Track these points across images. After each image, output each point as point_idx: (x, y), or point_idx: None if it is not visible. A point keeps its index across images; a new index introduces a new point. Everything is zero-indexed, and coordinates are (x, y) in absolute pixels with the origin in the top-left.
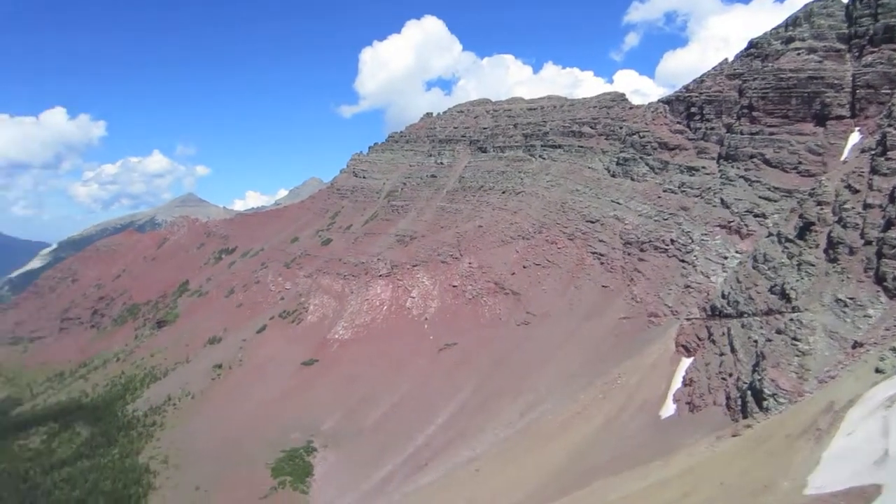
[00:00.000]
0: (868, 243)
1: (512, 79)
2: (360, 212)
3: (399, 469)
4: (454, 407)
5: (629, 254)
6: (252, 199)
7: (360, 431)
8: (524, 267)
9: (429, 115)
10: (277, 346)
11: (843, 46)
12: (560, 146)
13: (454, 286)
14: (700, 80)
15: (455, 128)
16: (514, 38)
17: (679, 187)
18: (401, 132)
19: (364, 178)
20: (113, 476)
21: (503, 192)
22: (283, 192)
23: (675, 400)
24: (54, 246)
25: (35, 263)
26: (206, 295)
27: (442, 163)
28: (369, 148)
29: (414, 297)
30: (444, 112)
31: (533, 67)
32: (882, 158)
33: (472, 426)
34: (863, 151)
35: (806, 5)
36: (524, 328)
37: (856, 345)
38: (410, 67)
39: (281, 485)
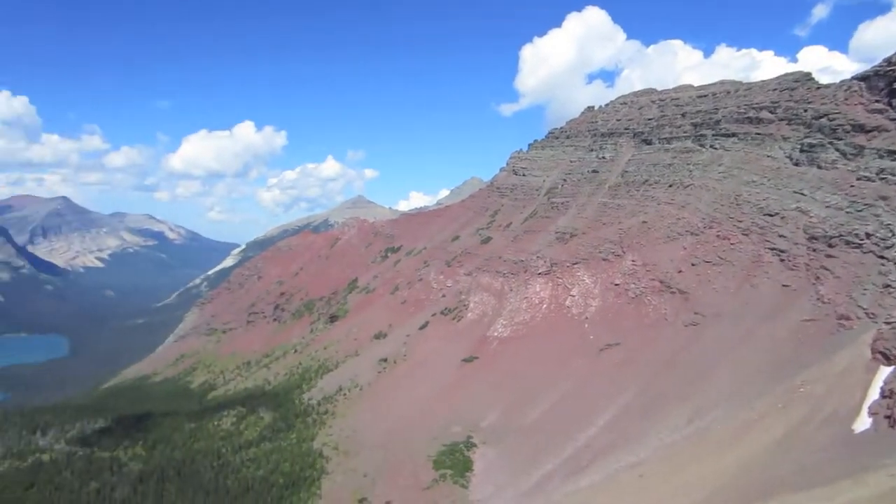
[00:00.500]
0: None
1: (680, 65)
2: (519, 210)
3: (559, 469)
4: (616, 409)
5: (815, 250)
6: (415, 200)
7: (519, 429)
8: (692, 264)
9: (590, 108)
10: (439, 343)
11: None
12: (734, 134)
13: (616, 284)
14: None
15: (618, 120)
16: (682, 22)
17: (877, 174)
18: (561, 128)
19: (524, 175)
20: (291, 459)
21: (669, 186)
22: (444, 192)
23: (872, 413)
24: (243, 246)
25: (228, 262)
26: (373, 292)
27: (604, 157)
28: (529, 145)
29: (574, 296)
30: (607, 105)
31: (703, 52)
32: None
33: (635, 430)
34: None
35: None
36: (692, 329)
37: None
38: (571, 61)
39: (442, 477)
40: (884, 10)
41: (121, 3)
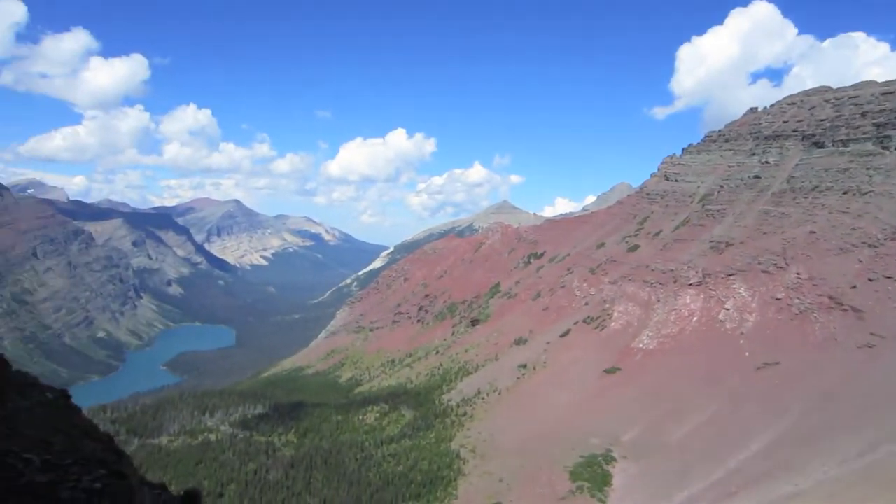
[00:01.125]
0: None
1: (861, 60)
2: (670, 217)
3: (705, 492)
4: (774, 433)
5: None
6: (561, 206)
7: (663, 446)
8: (869, 280)
9: (753, 110)
10: (580, 351)
11: None
12: None
13: (777, 299)
14: None
15: (784, 122)
16: (866, 10)
17: None
18: (719, 131)
19: (676, 181)
20: (429, 457)
21: (844, 193)
22: (590, 198)
23: None
24: (391, 248)
25: (377, 264)
26: (514, 297)
27: (767, 162)
28: (683, 150)
29: (728, 309)
30: (772, 105)
31: (890, 44)
32: None
33: (796, 458)
34: None
35: None
36: (867, 351)
37: None
38: (734, 60)
39: (579, 489)
40: None
41: (293, 26)
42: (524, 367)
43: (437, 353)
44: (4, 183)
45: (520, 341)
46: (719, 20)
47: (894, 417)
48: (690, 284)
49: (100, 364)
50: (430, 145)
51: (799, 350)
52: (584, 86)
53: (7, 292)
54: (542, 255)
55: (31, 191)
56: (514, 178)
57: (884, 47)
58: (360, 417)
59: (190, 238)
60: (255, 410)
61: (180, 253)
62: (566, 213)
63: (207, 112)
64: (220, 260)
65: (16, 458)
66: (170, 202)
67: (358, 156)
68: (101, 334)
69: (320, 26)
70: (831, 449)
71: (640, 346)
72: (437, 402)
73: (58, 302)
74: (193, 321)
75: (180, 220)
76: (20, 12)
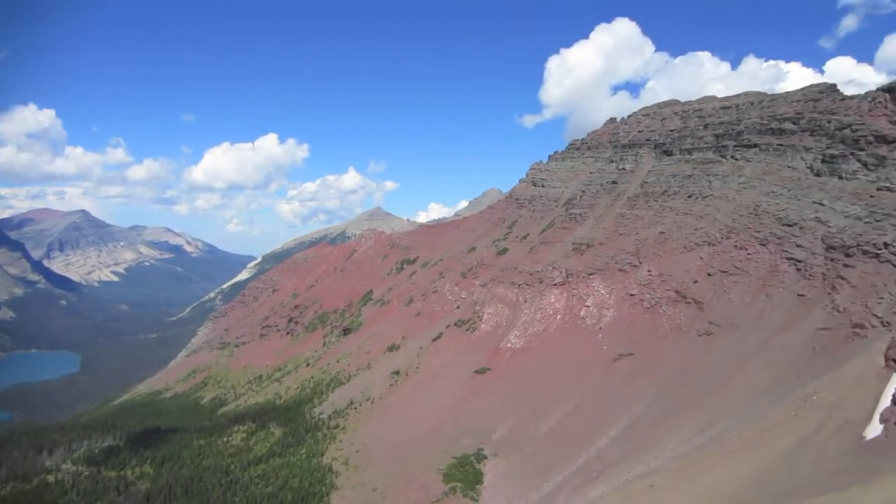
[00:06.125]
0: None
1: (706, 76)
2: (537, 221)
3: (569, 480)
4: (628, 419)
5: (832, 259)
6: (434, 211)
7: (530, 441)
8: (709, 275)
9: (612, 120)
10: (452, 355)
11: None
12: (756, 145)
13: (631, 295)
14: None
15: (640, 132)
16: (710, 33)
17: None
18: (582, 139)
19: (543, 186)
20: (300, 474)
21: (689, 197)
22: (463, 203)
23: (883, 420)
24: (259, 259)
25: (243, 275)
26: (387, 304)
27: (624, 168)
28: (549, 156)
29: (589, 306)
30: (629, 116)
31: (731, 63)
32: None
33: (647, 440)
34: None
35: None
36: (706, 339)
37: None
38: (597, 72)
39: (452, 490)
40: None
41: (148, 17)
42: (397, 373)
43: (308, 365)
44: None
45: (392, 348)
46: (585, 34)
47: (728, 395)
48: (555, 284)
49: None
50: (302, 151)
51: (650, 340)
52: (460, 93)
53: None
54: (415, 260)
55: None
56: (389, 185)
57: (725, 66)
58: (225, 439)
59: (25, 254)
60: (103, 443)
61: (12, 271)
62: (439, 219)
63: (51, 112)
64: (63, 277)
65: None
66: (1, 214)
67: (225, 161)
68: None
69: (186, 20)
70: (677, 428)
71: (509, 345)
72: (307, 416)
73: None
74: (29, 348)
75: (13, 234)
76: None
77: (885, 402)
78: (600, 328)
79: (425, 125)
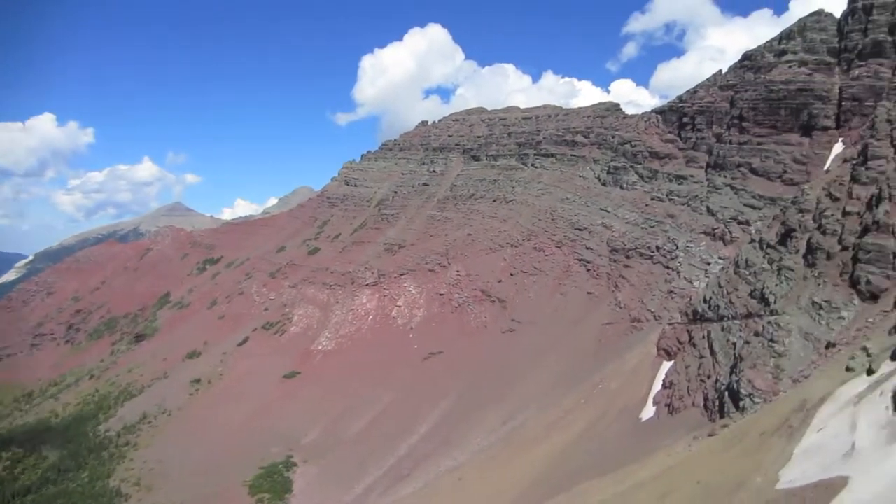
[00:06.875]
0: (845, 249)
1: (511, 87)
2: (349, 220)
3: (380, 480)
4: (437, 416)
5: (615, 261)
6: (241, 208)
7: (341, 443)
8: (511, 275)
9: (424, 123)
10: (259, 359)
11: (832, 60)
12: (553, 155)
13: (441, 294)
14: (693, 91)
15: (449, 136)
16: (516, 47)
17: (667, 195)
18: (395, 140)
19: (355, 186)
20: (81, 502)
21: (494, 201)
22: (272, 201)
23: (655, 403)
24: (31, 257)
25: (10, 276)
26: (187, 307)
27: (434, 171)
28: (362, 156)
29: (400, 306)
30: (440, 120)
31: (532, 77)
32: (862, 168)
33: (455, 435)
34: (845, 161)
35: (800, 19)
36: (509, 336)
37: (829, 345)
38: (411, 75)
39: (259, 502)
40: (679, 53)
41: None
42: (198, 381)
43: (93, 377)
44: None
45: (193, 354)
46: (399, 37)
47: (528, 388)
48: (367, 285)
49: None
50: (86, 135)
51: (458, 339)
52: (269, 87)
53: None
54: (219, 260)
55: None
56: (191, 178)
57: (527, 79)
58: None
59: None
60: None
61: None
62: (247, 216)
63: None
64: None
65: None
66: None
67: None
68: None
69: None
70: (482, 422)
71: (320, 347)
72: (91, 434)
73: None
74: None
75: None
76: None
77: (657, 386)
78: (411, 328)
79: (231, 115)
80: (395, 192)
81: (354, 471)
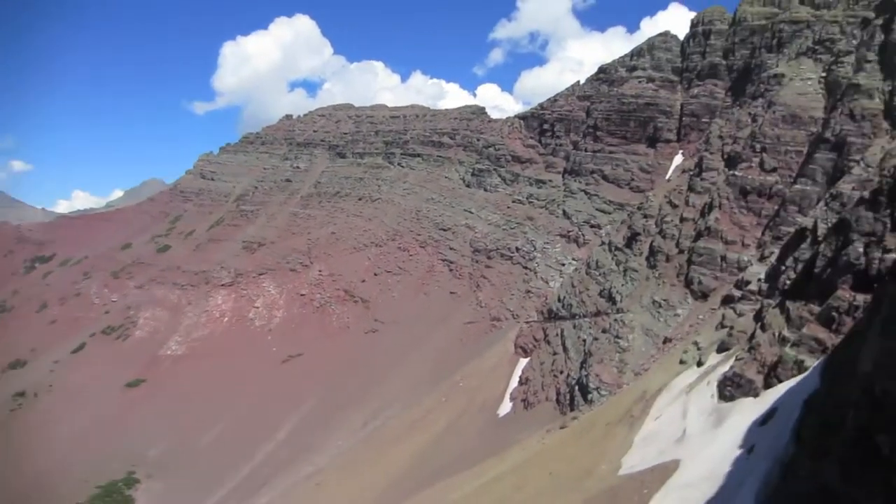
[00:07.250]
0: (681, 252)
1: (379, 85)
2: (205, 216)
3: (234, 492)
4: (297, 420)
5: (477, 261)
6: (80, 200)
7: (192, 455)
8: (375, 274)
9: (288, 117)
10: (98, 368)
11: (676, 78)
12: (419, 155)
13: (302, 295)
14: (553, 100)
15: (315, 132)
16: (386, 45)
17: (527, 198)
18: (257, 133)
19: (212, 180)
20: None
21: (359, 199)
22: (118, 193)
23: (512, 398)
24: None
25: None
26: (11, 311)
27: (298, 167)
28: (221, 149)
29: (258, 307)
30: (306, 115)
31: (401, 76)
32: (698, 178)
33: (314, 439)
34: (683, 172)
35: (649, 39)
36: (372, 336)
37: (666, 340)
38: (276, 66)
39: None
40: (542, 62)
41: None
42: (22, 395)
43: None
44: None
45: (17, 365)
46: (264, 25)
47: (389, 388)
48: (223, 285)
49: None
50: None
51: (319, 340)
52: (117, 67)
53: None
54: (51, 258)
55: None
56: (18, 165)
57: (396, 78)
58: None
59: None
60: None
61: None
62: (86, 210)
63: None
64: None
65: None
66: None
67: None
68: None
69: None
70: (343, 424)
71: (169, 352)
72: None
73: None
74: None
75: None
76: None
77: (514, 382)
78: (269, 330)
79: (70, 99)
80: (256, 187)
81: (206, 484)
